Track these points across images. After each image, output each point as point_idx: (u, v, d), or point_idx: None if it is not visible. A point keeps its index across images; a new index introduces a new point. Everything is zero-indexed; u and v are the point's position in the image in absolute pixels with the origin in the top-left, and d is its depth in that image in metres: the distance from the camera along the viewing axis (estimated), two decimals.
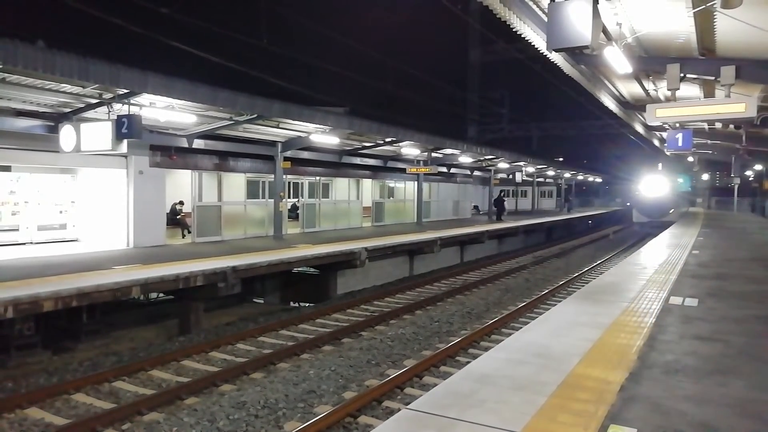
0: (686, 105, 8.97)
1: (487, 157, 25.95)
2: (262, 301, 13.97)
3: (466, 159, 24.97)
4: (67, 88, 9.59)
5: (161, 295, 12.25)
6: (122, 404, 6.59)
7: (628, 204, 47.41)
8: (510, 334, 6.75)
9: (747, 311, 7.13)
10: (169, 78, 9.81)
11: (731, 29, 7.56)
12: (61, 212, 14.05)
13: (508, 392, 4.20)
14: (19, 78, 8.80)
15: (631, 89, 13.89)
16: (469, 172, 30.91)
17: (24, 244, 13.11)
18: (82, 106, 10.80)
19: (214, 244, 14.46)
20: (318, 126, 14.27)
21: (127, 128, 9.89)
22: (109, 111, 10.57)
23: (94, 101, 10.51)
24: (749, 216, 37.03)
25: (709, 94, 11.77)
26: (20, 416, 6.35)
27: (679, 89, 9.18)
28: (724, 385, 4.43)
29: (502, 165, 29.19)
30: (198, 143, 14.26)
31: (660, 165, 40.06)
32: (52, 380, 7.52)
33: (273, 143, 15.88)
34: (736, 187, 40.30)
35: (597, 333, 5.92)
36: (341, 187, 21.58)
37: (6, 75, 8.56)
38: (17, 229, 13.22)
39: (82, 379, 7.37)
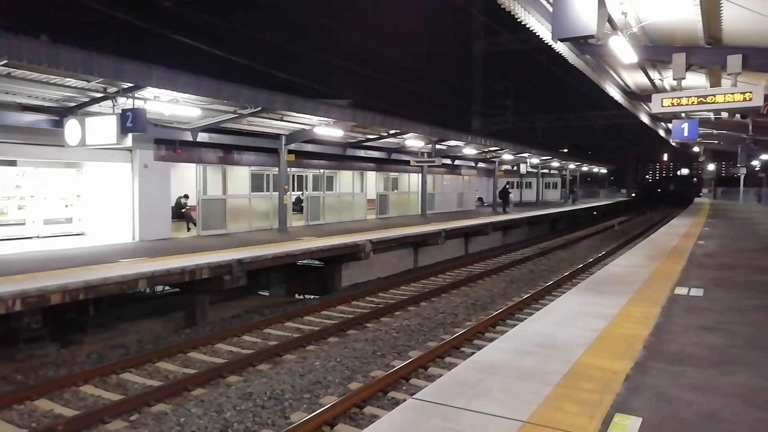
0: (692, 95, 8.92)
1: (491, 149, 25.88)
2: (267, 294, 14.03)
3: (470, 150, 24.92)
4: (72, 82, 9.61)
5: (167, 287, 12.32)
6: (130, 396, 6.65)
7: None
8: (515, 325, 6.76)
9: (753, 301, 7.11)
10: (172, 71, 9.82)
11: (738, 17, 7.49)
12: (66, 206, 14.12)
13: (513, 382, 4.21)
14: (24, 73, 8.82)
15: (636, 79, 13.80)
16: (473, 164, 30.84)
17: (31, 238, 13.19)
18: (87, 100, 10.81)
19: (219, 237, 14.51)
20: (321, 119, 14.27)
21: (131, 122, 9.92)
22: (114, 105, 10.60)
23: (98, 95, 10.53)
24: (756, 206, 36.85)
25: (715, 83, 11.68)
26: (30, 408, 6.41)
27: (684, 79, 9.12)
28: (730, 375, 4.44)
29: (507, 156, 29.12)
30: (202, 137, 14.28)
31: None
32: (60, 372, 7.59)
33: (277, 136, 15.88)
34: (743, 177, 40.05)
35: (602, 323, 5.92)
36: (345, 179, 21.58)
37: (11, 70, 8.58)
38: (24, 224, 13.30)
39: (89, 371, 7.43)
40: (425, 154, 22.01)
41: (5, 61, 7.78)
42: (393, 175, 24.51)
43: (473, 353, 5.33)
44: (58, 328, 8.78)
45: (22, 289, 7.36)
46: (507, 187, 30.15)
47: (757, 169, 42.20)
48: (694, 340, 5.35)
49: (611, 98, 15.15)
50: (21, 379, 7.36)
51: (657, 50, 9.65)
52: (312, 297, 13.45)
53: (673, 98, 9.00)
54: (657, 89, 13.87)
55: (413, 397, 4.01)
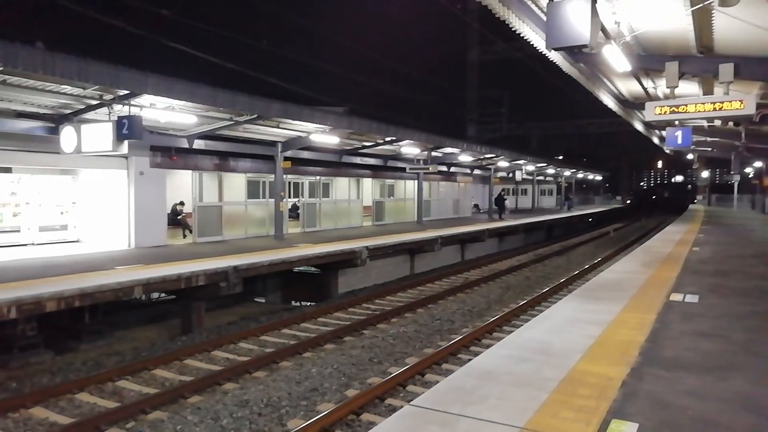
0: (685, 103, 9.00)
1: (486, 156, 25.98)
2: (263, 301, 14.00)
3: (465, 158, 25.01)
4: (68, 89, 9.62)
5: (163, 294, 12.28)
6: (126, 403, 6.62)
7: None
8: (511, 332, 6.78)
9: (748, 307, 7.16)
10: (169, 79, 9.84)
11: (729, 27, 7.58)
12: (62, 213, 14.08)
13: (510, 388, 4.23)
14: (20, 80, 8.83)
15: (630, 87, 13.92)
16: (469, 171, 30.93)
17: (26, 245, 13.13)
18: (83, 107, 10.82)
19: (215, 244, 14.49)
20: (318, 126, 14.30)
21: (127, 129, 9.93)
22: (110, 112, 10.60)
23: (94, 102, 10.54)
24: (749, 213, 37.06)
25: (708, 91, 11.78)
26: (25, 416, 6.37)
27: (678, 87, 9.21)
28: (725, 380, 4.47)
29: (502, 163, 29.24)
30: (198, 144, 14.29)
31: None
32: (55, 380, 7.55)
33: (273, 143, 15.91)
34: (736, 184, 40.31)
35: (598, 330, 5.95)
36: (341, 186, 21.61)
37: (6, 77, 8.58)
38: (19, 231, 13.25)
39: (85, 378, 7.39)
40: (421, 162, 22.08)
41: (0, 68, 7.79)
42: (389, 182, 24.56)
43: (470, 360, 5.34)
44: (53, 335, 8.74)
45: (17, 296, 7.34)
46: (503, 194, 30.24)
47: (750, 176, 42.49)
48: (690, 346, 5.38)
49: (605, 106, 15.26)
50: (16, 387, 7.31)
51: (650, 59, 9.75)
52: (308, 304, 13.42)
53: (666, 106, 9.08)
54: (650, 97, 14.00)
55: (410, 403, 4.02)
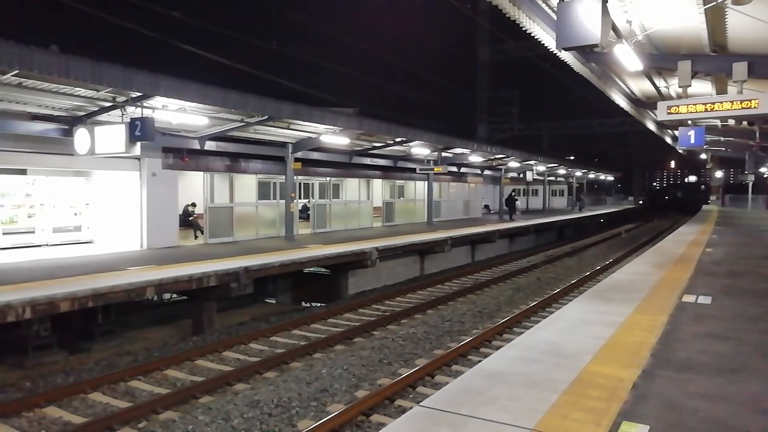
0: (698, 102, 8.91)
1: (497, 157, 25.90)
2: (274, 301, 14.06)
3: (476, 158, 24.95)
4: (81, 91, 9.73)
5: (175, 295, 12.39)
6: (138, 403, 6.68)
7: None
8: (522, 333, 6.75)
9: (761, 309, 7.07)
10: (181, 81, 9.92)
11: (743, 25, 7.51)
12: (75, 214, 14.24)
13: (520, 390, 4.21)
14: (35, 82, 8.94)
15: (642, 86, 13.81)
16: (479, 172, 30.85)
17: (40, 246, 13.30)
18: (96, 109, 10.94)
19: (226, 244, 14.58)
20: (328, 127, 14.34)
21: (140, 131, 10.03)
22: (123, 114, 10.71)
23: (107, 104, 10.65)
24: (764, 213, 36.59)
25: (721, 90, 11.67)
26: (39, 415, 6.45)
27: (690, 86, 9.12)
28: (738, 383, 4.42)
29: (513, 164, 29.12)
30: (209, 145, 14.38)
31: None
32: (69, 380, 7.63)
33: (283, 144, 15.97)
34: (750, 184, 39.79)
35: (609, 331, 5.91)
36: (351, 187, 21.64)
37: (22, 80, 8.70)
38: (33, 232, 13.42)
39: (98, 378, 7.47)
40: (431, 162, 22.05)
41: (16, 71, 7.90)
42: (399, 182, 24.55)
43: (480, 361, 5.32)
44: (66, 335, 8.84)
45: (31, 296, 7.43)
46: (513, 194, 30.12)
47: (765, 176, 41.97)
48: (702, 348, 5.32)
49: (617, 106, 15.16)
50: (30, 387, 7.40)
51: (662, 58, 9.67)
52: (318, 305, 13.46)
53: (678, 106, 8.99)
54: (663, 97, 13.88)
55: (420, 404, 4.02)
